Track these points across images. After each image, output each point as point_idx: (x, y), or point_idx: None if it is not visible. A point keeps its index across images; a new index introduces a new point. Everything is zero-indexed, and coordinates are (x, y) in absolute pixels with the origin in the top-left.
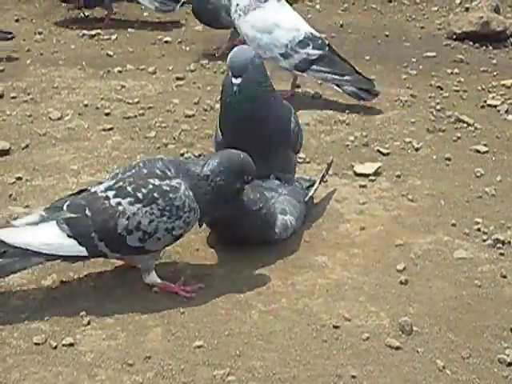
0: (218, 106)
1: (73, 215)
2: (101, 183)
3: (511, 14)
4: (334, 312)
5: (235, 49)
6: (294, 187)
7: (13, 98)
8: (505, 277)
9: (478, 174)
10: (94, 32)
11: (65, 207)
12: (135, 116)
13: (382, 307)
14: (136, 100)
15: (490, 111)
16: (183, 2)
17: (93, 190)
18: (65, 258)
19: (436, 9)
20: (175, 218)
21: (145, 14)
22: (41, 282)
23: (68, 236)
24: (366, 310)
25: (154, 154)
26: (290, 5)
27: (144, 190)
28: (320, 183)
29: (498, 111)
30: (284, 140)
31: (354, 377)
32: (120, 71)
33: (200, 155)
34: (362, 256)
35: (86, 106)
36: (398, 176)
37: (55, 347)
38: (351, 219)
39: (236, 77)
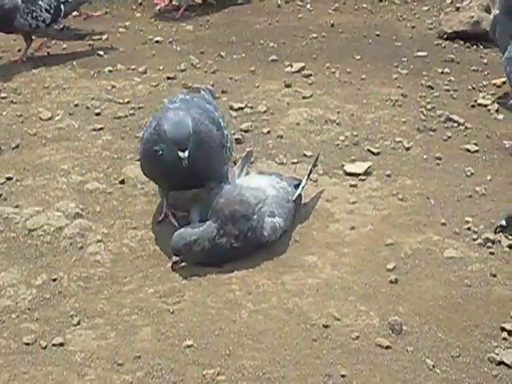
0: None
1: None
2: None
3: None
4: (324, 311)
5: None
6: (282, 187)
7: (3, 98)
8: (494, 276)
9: (469, 174)
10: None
11: None
12: (126, 116)
13: (371, 306)
14: (126, 100)
15: (481, 110)
16: None
17: None
18: None
19: (427, 8)
20: None
21: (137, 14)
22: (31, 281)
23: None
24: (356, 309)
25: None
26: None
27: None
28: (307, 180)
29: (489, 110)
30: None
31: (343, 376)
32: (111, 71)
33: None
34: (352, 255)
35: (76, 105)
36: (389, 175)
37: (45, 347)
38: (341, 219)
39: (183, 150)
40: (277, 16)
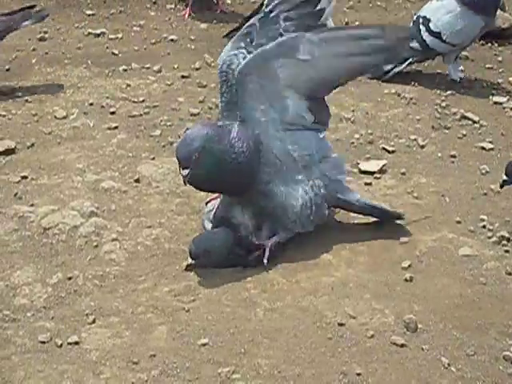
0: None
1: None
2: None
3: None
4: (339, 310)
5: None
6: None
7: (18, 97)
8: (510, 274)
9: (483, 171)
10: (99, 31)
11: None
12: (140, 115)
13: (386, 305)
14: (141, 99)
15: (496, 108)
16: None
17: None
18: None
19: None
20: None
21: (151, 13)
22: (46, 280)
23: None
24: (371, 307)
25: (159, 152)
26: None
27: None
28: None
29: (504, 108)
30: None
31: (358, 374)
32: (125, 70)
33: None
34: (367, 254)
35: (91, 104)
36: (403, 173)
37: (60, 345)
38: (356, 217)
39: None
40: None
